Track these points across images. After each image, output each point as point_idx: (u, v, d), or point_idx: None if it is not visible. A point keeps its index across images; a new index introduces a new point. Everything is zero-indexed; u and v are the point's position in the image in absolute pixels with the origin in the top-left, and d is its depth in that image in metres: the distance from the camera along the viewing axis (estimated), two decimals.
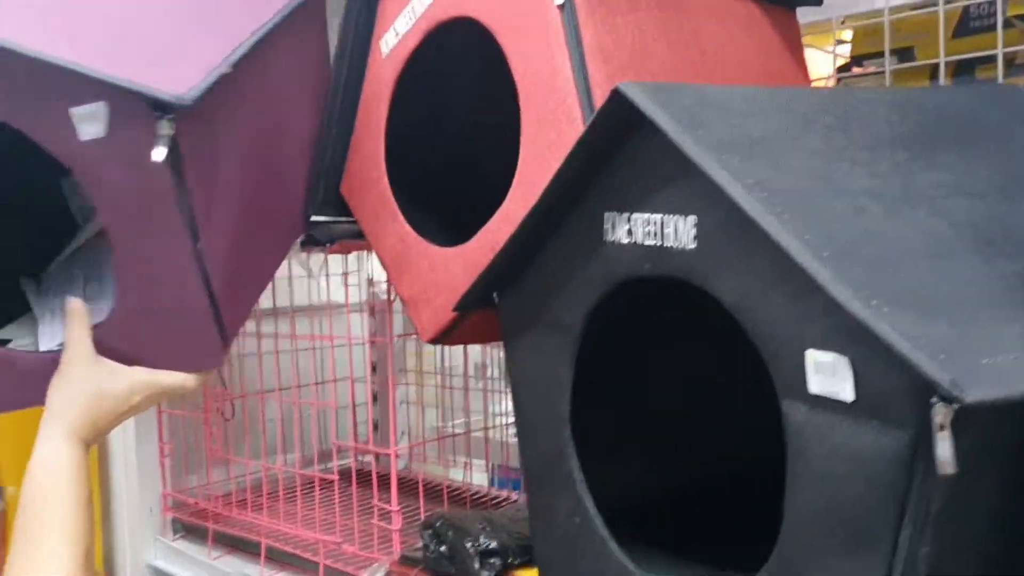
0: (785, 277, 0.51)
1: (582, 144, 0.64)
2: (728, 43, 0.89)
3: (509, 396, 1.46)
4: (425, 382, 1.56)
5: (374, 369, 1.59)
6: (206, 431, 1.32)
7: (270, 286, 1.37)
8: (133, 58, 0.73)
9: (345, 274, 1.45)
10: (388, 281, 1.13)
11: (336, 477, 1.12)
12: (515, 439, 1.44)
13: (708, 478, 0.81)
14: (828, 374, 0.50)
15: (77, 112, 0.71)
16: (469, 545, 0.80)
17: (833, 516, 0.51)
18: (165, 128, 0.70)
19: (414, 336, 1.55)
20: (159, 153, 0.69)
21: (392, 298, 1.19)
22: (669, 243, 0.60)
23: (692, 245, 0.58)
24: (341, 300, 1.51)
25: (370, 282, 1.56)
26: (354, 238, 1.05)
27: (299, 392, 1.23)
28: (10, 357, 0.85)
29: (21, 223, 0.98)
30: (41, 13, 0.76)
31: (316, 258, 1.43)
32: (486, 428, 1.40)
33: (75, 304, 0.80)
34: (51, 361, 0.81)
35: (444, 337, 0.93)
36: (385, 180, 0.95)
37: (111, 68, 0.69)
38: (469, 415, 1.43)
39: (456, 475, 1.46)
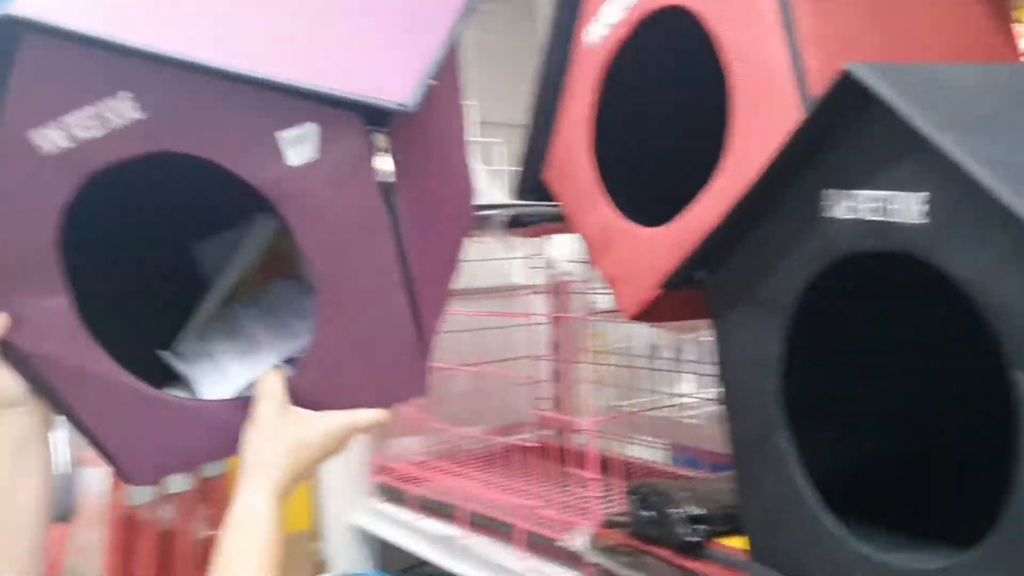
0: None
1: (805, 124, 0.66)
2: (934, 24, 0.89)
3: (683, 377, 1.49)
4: (602, 361, 1.60)
5: (555, 348, 1.65)
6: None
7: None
8: (334, 70, 0.69)
9: (528, 256, 1.51)
10: (574, 262, 1.19)
11: (538, 445, 1.18)
12: (691, 420, 1.47)
13: (918, 450, 0.82)
14: None
15: (284, 135, 0.68)
16: (676, 511, 0.84)
17: None
18: (382, 142, 0.68)
19: (593, 317, 1.61)
20: (379, 167, 0.67)
21: (578, 279, 1.24)
22: (895, 219, 0.62)
23: (921, 220, 0.60)
24: (522, 282, 1.58)
25: (550, 264, 1.62)
26: (553, 222, 1.11)
27: (484, 368, 1.30)
28: (198, 407, 0.80)
29: (140, 293, 0.92)
30: (221, 29, 0.71)
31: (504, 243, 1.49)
32: (666, 406, 1.43)
33: (272, 369, 0.79)
34: (236, 408, 0.78)
35: (645, 315, 0.97)
36: (592, 165, 1.00)
37: (316, 81, 0.66)
38: (647, 395, 1.47)
39: (633, 452, 1.49)
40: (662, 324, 1.36)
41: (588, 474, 1.09)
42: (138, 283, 0.91)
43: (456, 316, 1.39)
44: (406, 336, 0.75)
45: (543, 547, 1.12)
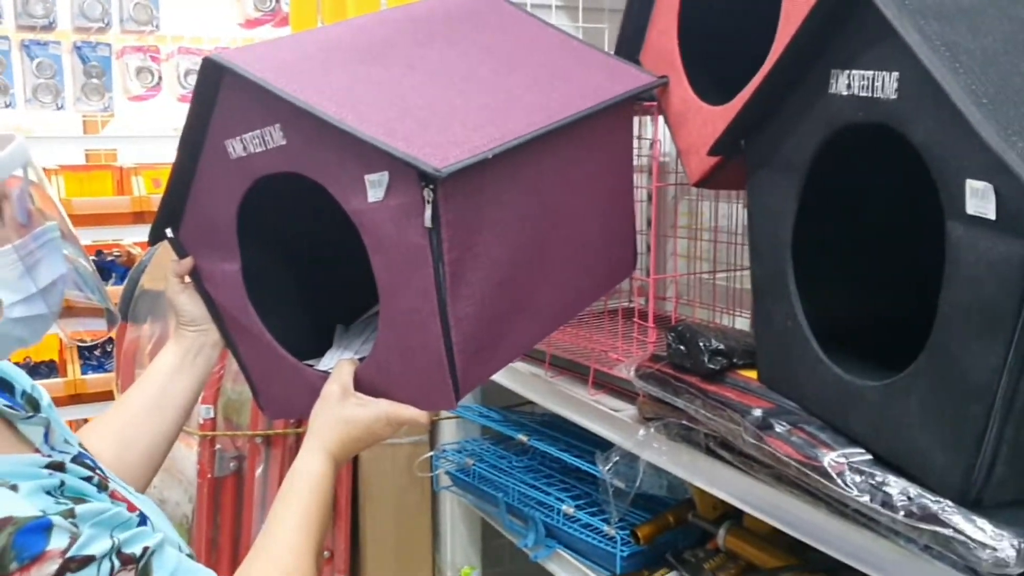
0: (954, 121, 0.64)
1: (814, 11, 0.78)
2: None
3: None
4: (693, 237, 1.72)
5: (649, 224, 1.78)
6: None
7: None
8: (411, 134, 0.84)
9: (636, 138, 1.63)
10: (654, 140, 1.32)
11: (629, 309, 1.33)
12: None
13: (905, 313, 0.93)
14: (979, 198, 0.63)
15: (369, 178, 0.84)
16: (702, 344, 0.99)
17: (973, 309, 0.65)
18: (427, 195, 0.81)
19: (687, 198, 1.72)
20: (426, 217, 0.82)
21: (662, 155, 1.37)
22: (877, 95, 0.74)
23: (894, 96, 0.72)
24: None
25: (650, 145, 1.74)
26: (635, 102, 1.24)
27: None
28: (301, 370, 1.02)
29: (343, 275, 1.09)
30: (354, 89, 0.89)
31: None
32: (733, 272, 1.54)
33: (344, 359, 0.97)
34: (311, 375, 0.99)
35: (707, 181, 1.11)
36: (676, 49, 1.14)
37: (395, 141, 0.81)
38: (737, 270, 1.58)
39: (723, 322, 1.62)
40: None
41: (649, 322, 1.25)
42: (297, 271, 1.14)
43: None
44: (436, 354, 0.88)
45: (609, 384, 1.30)
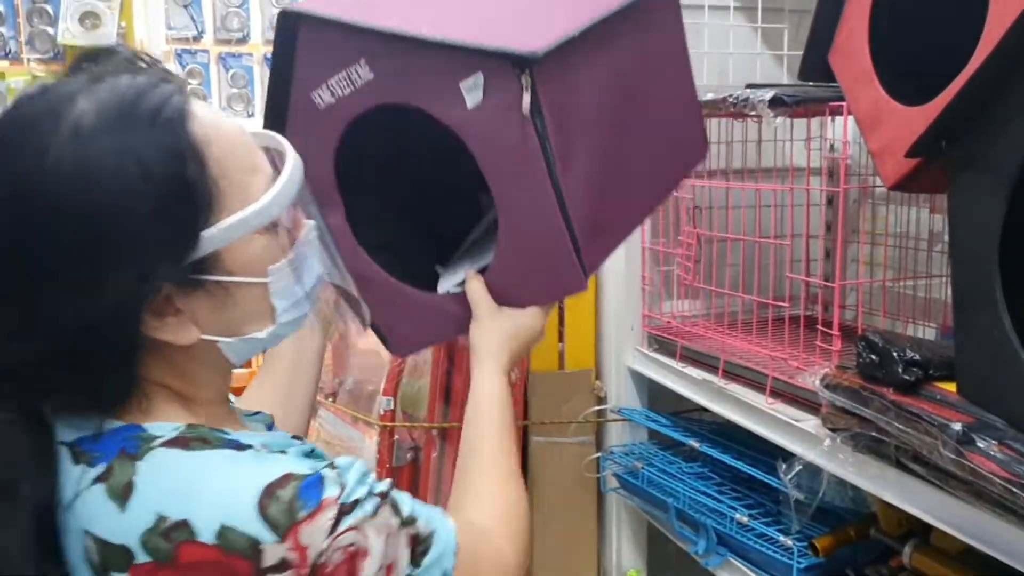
0: None
1: None
2: None
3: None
4: (876, 243, 1.65)
5: (828, 228, 1.73)
6: (681, 266, 1.58)
7: (738, 148, 1.58)
8: (496, 33, 0.86)
9: (808, 139, 1.60)
10: (843, 141, 1.28)
11: (804, 316, 1.30)
12: None
13: None
14: None
15: (464, 84, 0.84)
16: (896, 354, 0.96)
17: None
18: (526, 81, 0.81)
19: (869, 201, 1.66)
20: (525, 103, 0.81)
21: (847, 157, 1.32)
22: None
23: None
24: (801, 164, 1.67)
25: (831, 147, 1.69)
26: (817, 103, 1.21)
27: (759, 241, 1.43)
28: (426, 298, 1.01)
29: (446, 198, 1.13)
30: (427, 9, 0.90)
31: (783, 125, 1.58)
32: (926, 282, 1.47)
33: (471, 274, 0.98)
34: (450, 301, 0.99)
35: (904, 185, 1.07)
36: (866, 49, 1.10)
37: (485, 40, 0.83)
38: (921, 278, 1.51)
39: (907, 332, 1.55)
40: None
41: (834, 329, 1.21)
42: (395, 210, 1.13)
43: (732, 191, 1.54)
44: (560, 238, 0.89)
45: (787, 393, 1.27)
